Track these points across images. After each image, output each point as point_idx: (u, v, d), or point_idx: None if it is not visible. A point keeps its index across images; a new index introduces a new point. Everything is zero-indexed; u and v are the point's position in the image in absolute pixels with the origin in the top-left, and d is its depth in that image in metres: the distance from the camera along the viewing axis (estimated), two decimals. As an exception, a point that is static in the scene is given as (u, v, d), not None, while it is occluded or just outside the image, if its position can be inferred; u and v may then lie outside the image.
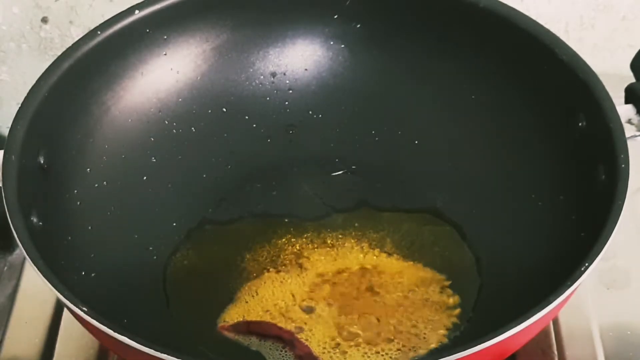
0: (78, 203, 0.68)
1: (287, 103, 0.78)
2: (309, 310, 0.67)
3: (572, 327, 0.70)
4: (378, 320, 0.67)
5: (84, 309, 0.55)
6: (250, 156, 0.77)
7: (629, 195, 0.59)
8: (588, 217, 0.62)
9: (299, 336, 0.66)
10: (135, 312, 0.64)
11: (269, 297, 0.69)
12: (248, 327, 0.67)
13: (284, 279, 0.70)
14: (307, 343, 0.65)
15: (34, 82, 0.67)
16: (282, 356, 0.65)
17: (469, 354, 0.53)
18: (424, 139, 0.76)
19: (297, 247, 0.72)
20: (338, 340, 0.66)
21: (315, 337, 0.66)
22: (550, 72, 0.68)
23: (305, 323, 0.67)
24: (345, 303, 0.68)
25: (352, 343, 0.65)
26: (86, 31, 0.72)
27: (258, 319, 0.67)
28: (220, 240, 0.73)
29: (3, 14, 0.83)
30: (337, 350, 0.65)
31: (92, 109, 0.71)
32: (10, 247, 0.77)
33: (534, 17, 0.69)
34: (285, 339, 0.65)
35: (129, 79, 0.73)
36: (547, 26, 0.69)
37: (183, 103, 0.75)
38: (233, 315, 0.68)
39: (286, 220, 0.74)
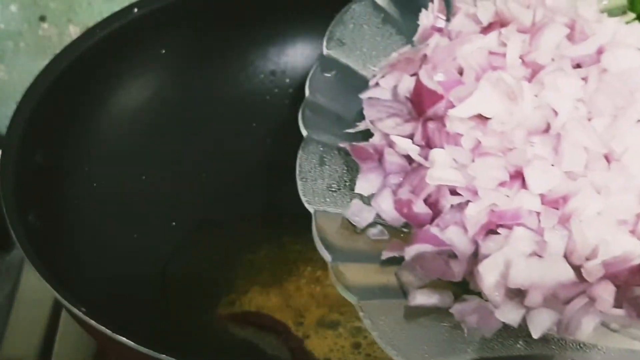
0: (76, 202, 0.68)
1: (287, 102, 0.77)
2: (306, 309, 0.67)
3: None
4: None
5: (83, 309, 0.55)
6: (250, 156, 0.76)
7: None
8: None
9: (293, 330, 0.66)
10: (134, 312, 0.64)
11: (268, 296, 0.68)
12: (244, 317, 0.67)
13: (283, 279, 0.70)
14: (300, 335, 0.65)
15: (32, 81, 0.67)
16: (275, 347, 0.65)
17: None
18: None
19: (297, 247, 0.72)
20: (335, 338, 0.65)
21: (310, 334, 0.66)
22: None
23: (302, 321, 0.67)
24: (346, 302, 0.68)
25: (350, 342, 0.65)
26: (84, 30, 0.72)
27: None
28: (219, 240, 0.72)
29: (1, 13, 0.83)
30: (329, 349, 0.65)
31: (90, 108, 0.71)
32: (8, 247, 0.77)
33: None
34: (279, 331, 0.65)
35: (127, 78, 0.73)
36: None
37: (182, 102, 0.75)
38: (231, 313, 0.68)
39: (286, 220, 0.73)
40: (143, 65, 0.73)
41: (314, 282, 0.69)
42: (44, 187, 0.65)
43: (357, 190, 0.51)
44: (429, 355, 0.44)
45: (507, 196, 0.47)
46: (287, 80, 0.77)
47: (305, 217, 0.73)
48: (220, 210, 0.74)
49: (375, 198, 0.51)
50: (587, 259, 0.46)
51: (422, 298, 0.47)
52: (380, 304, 0.46)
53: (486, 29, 0.54)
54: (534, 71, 0.51)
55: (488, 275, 0.46)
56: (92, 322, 0.54)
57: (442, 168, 0.48)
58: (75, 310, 0.55)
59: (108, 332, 0.53)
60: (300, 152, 0.52)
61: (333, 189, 0.51)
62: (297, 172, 0.52)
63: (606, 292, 0.45)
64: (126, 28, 0.71)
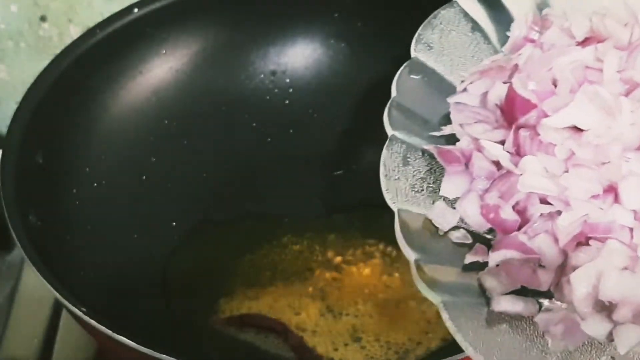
0: (77, 202, 0.68)
1: (287, 102, 0.77)
2: (307, 309, 0.67)
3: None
4: (379, 318, 0.66)
5: (83, 309, 0.55)
6: (250, 156, 0.76)
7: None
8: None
9: (293, 329, 0.66)
10: (135, 312, 0.64)
11: (268, 296, 0.68)
12: (241, 320, 0.67)
13: (283, 278, 0.70)
14: (301, 334, 0.66)
15: (32, 81, 0.67)
16: (277, 346, 0.65)
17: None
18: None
19: (298, 247, 0.72)
20: (335, 337, 0.66)
21: (311, 333, 0.66)
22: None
23: (303, 321, 0.67)
24: (345, 302, 0.68)
25: (350, 340, 0.65)
26: (85, 30, 0.72)
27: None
28: (219, 240, 0.72)
29: (2, 13, 0.83)
30: (333, 348, 0.65)
31: (90, 108, 0.71)
32: (8, 246, 0.77)
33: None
34: (279, 330, 0.65)
35: (128, 78, 0.73)
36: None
37: (182, 102, 0.75)
38: (231, 314, 0.67)
39: (286, 220, 0.73)
40: (143, 66, 0.73)
41: (314, 282, 0.69)
42: (44, 187, 0.65)
43: (442, 192, 0.51)
44: (510, 357, 0.44)
45: (601, 209, 0.48)
46: (287, 80, 0.77)
47: (304, 217, 0.73)
48: (220, 210, 0.74)
49: (460, 201, 0.50)
50: None
51: (507, 305, 0.46)
52: (461, 306, 0.46)
53: (582, 44, 0.55)
54: (630, 88, 0.51)
55: (579, 286, 0.45)
56: (93, 322, 0.54)
57: (534, 176, 0.49)
58: (76, 310, 0.55)
59: (108, 332, 0.53)
60: (384, 151, 0.52)
61: (416, 189, 0.51)
62: (382, 169, 0.51)
63: None
64: (126, 28, 0.71)
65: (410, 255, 0.47)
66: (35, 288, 0.73)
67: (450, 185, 0.51)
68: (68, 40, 0.72)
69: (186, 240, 0.72)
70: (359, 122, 0.77)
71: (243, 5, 0.75)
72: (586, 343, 0.46)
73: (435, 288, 0.46)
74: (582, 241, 0.47)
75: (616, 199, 0.48)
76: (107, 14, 0.71)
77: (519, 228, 0.49)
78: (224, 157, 0.76)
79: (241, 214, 0.74)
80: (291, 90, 0.77)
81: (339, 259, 0.71)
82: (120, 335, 0.53)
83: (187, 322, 0.67)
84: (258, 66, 0.77)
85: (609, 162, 0.49)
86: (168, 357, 0.52)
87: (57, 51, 0.69)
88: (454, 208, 0.51)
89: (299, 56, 0.77)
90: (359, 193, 0.75)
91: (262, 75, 0.77)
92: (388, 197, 0.50)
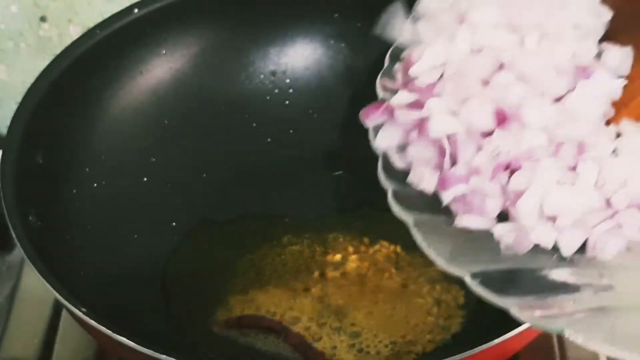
0: (77, 202, 0.68)
1: (287, 102, 0.77)
2: (306, 309, 0.67)
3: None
4: (377, 317, 0.66)
5: (83, 309, 0.55)
6: (250, 156, 0.76)
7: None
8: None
9: (292, 328, 0.66)
10: (135, 312, 0.64)
11: (268, 296, 0.68)
12: (239, 322, 0.67)
13: (283, 278, 0.70)
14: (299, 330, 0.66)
15: (32, 81, 0.67)
16: (278, 346, 0.65)
17: (468, 355, 0.53)
18: (425, 138, 0.76)
19: (298, 247, 0.72)
20: (334, 336, 0.66)
21: (310, 332, 0.66)
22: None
23: (302, 320, 0.67)
24: (345, 301, 0.68)
25: (349, 339, 0.65)
26: (85, 30, 0.72)
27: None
28: (219, 240, 0.73)
29: (1, 13, 0.83)
30: (332, 346, 0.65)
31: (90, 108, 0.71)
32: (8, 246, 0.77)
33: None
34: (277, 330, 0.65)
35: (128, 78, 0.73)
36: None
37: (182, 102, 0.75)
38: (232, 314, 0.68)
39: (286, 220, 0.73)
40: (143, 66, 0.73)
41: (314, 282, 0.69)
42: (44, 187, 0.65)
43: (377, 144, 0.59)
44: (468, 262, 0.50)
45: (513, 136, 0.52)
46: (287, 81, 0.77)
47: (304, 217, 0.73)
48: (220, 210, 0.74)
49: (407, 150, 0.57)
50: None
51: (468, 221, 0.53)
52: (430, 224, 0.52)
53: None
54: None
55: (524, 206, 0.51)
56: (93, 322, 0.54)
57: (441, 117, 0.53)
58: (76, 311, 0.55)
59: (108, 332, 0.53)
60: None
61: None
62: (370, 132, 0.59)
63: (633, 219, 0.51)
64: (126, 28, 0.71)
65: (388, 186, 0.55)
66: (35, 288, 0.73)
67: (385, 136, 0.58)
68: (68, 40, 0.72)
69: (186, 240, 0.72)
70: (359, 123, 0.77)
71: (243, 5, 0.75)
72: (535, 248, 0.52)
73: (408, 209, 0.53)
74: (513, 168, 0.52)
75: (521, 124, 0.52)
76: (107, 14, 0.71)
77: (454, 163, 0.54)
78: (224, 157, 0.76)
79: (241, 214, 0.74)
80: (291, 90, 0.77)
81: (338, 258, 0.71)
82: (120, 335, 0.53)
83: (187, 322, 0.67)
84: (258, 66, 0.77)
85: (467, 88, 0.54)
86: (168, 357, 0.52)
87: (57, 51, 0.69)
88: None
89: (299, 56, 0.77)
90: (359, 193, 0.75)
91: (262, 76, 0.77)
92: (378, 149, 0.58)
